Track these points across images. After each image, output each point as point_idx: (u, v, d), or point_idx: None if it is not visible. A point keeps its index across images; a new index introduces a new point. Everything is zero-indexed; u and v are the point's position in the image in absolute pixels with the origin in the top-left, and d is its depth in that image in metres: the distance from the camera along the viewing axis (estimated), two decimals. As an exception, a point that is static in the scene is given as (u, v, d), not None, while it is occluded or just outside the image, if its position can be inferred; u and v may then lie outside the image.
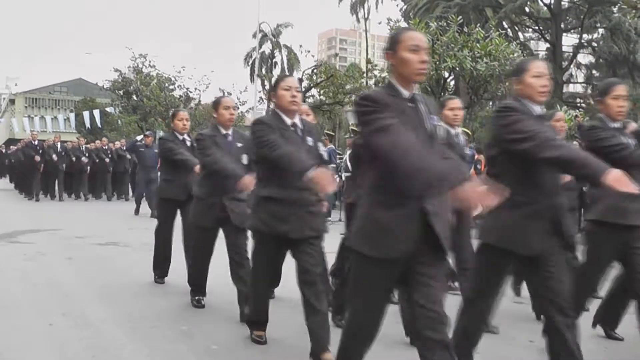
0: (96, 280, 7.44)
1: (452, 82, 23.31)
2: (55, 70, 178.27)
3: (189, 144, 7.05)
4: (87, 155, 21.49)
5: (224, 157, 5.57)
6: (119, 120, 37.99)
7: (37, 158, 20.04)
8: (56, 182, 21.13)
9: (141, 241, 10.66)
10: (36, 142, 20.89)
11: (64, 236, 11.33)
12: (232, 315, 5.83)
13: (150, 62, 36.84)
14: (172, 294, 6.79)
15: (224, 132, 5.82)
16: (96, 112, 39.60)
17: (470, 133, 14.08)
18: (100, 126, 39.79)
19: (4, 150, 36.14)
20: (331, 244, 10.35)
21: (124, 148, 21.20)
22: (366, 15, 64.78)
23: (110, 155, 21.74)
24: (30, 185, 20.87)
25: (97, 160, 21.44)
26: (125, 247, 10.23)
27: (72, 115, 44.83)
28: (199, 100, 36.71)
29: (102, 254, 9.43)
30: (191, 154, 6.77)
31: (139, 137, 16.25)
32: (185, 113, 7.37)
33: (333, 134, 21.08)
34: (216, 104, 5.93)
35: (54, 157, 20.51)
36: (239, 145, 5.83)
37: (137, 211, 16.02)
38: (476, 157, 13.43)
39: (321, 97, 29.36)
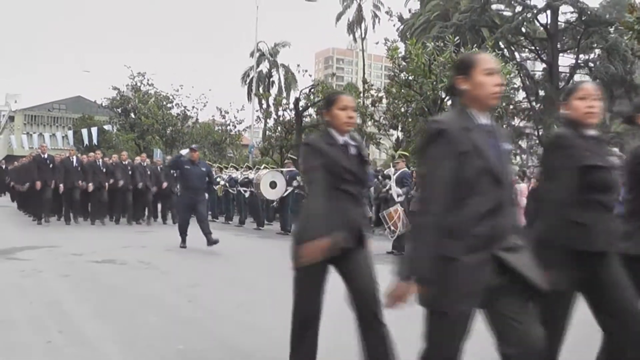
0: (93, 297, 7.46)
1: (449, 102, 23.40)
2: (54, 88, 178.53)
3: (354, 151, 4.30)
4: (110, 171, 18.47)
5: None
6: (117, 138, 38.09)
7: (38, 184, 17.48)
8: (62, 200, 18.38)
9: (137, 259, 10.70)
10: (46, 156, 18.25)
11: (61, 253, 11.32)
12: (226, 334, 5.86)
13: (148, 80, 37.04)
14: (167, 312, 6.80)
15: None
16: (94, 130, 39.70)
17: (408, 154, 14.39)
18: (97, 144, 39.96)
19: (4, 167, 35.89)
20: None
21: (161, 166, 19.80)
22: (363, 35, 65.20)
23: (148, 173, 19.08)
24: (36, 206, 18.35)
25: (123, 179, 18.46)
26: (122, 264, 10.23)
27: (70, 133, 44.91)
28: (197, 119, 36.85)
29: (98, 272, 9.44)
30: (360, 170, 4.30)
31: (183, 152, 13.36)
32: (350, 98, 4.38)
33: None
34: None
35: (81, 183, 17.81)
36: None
37: (183, 242, 12.83)
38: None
39: (318, 116, 29.45)
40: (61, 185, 17.61)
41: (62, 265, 9.86)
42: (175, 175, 17.73)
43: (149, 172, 19.06)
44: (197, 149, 13.63)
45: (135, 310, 6.79)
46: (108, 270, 9.60)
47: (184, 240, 12.79)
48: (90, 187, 17.86)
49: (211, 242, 12.14)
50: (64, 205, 18.27)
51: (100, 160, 18.71)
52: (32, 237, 13.84)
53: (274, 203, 18.44)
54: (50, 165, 17.84)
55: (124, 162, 18.87)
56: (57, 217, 18.52)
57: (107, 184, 18.12)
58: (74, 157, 18.52)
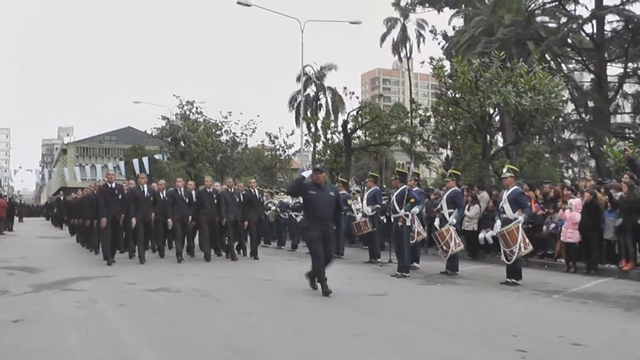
0: (148, 326, 7.51)
1: (497, 118, 23.21)
2: (105, 120, 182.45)
3: None
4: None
5: None
6: (168, 167, 38.64)
7: (104, 222, 15.03)
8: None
9: (191, 287, 10.77)
10: (113, 185, 15.68)
11: (116, 282, 11.50)
12: None
13: (197, 108, 37.55)
14: (223, 339, 6.80)
15: None
16: (145, 160, 40.35)
17: (517, 169, 13.98)
18: (149, 173, 40.61)
19: (62, 198, 36.16)
20: (382, 284, 10.28)
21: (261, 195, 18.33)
22: (408, 55, 65.16)
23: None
24: (101, 243, 16.00)
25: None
26: (176, 292, 10.31)
27: (121, 163, 45.72)
28: (246, 145, 37.15)
29: (153, 300, 9.52)
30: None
31: (305, 174, 10.89)
32: None
33: (378, 175, 21.06)
34: None
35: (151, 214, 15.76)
36: None
37: (314, 284, 10.50)
38: (526, 193, 13.29)
39: (367, 138, 29.49)
40: (133, 220, 15.40)
41: (117, 295, 9.98)
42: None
43: (238, 200, 16.88)
44: (322, 169, 11.11)
45: (191, 339, 6.81)
46: (162, 299, 9.67)
47: (320, 279, 10.12)
48: (170, 223, 16.18)
49: (326, 291, 9.87)
50: (138, 242, 15.85)
51: (182, 189, 16.68)
52: (87, 268, 14.04)
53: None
54: (119, 196, 15.50)
55: (208, 190, 16.60)
56: (125, 253, 16.75)
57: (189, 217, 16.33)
58: (144, 186, 16.11)
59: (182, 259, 15.69)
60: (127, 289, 10.74)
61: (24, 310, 8.49)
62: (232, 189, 17.08)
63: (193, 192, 16.90)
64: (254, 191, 17.79)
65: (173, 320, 7.94)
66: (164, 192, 16.71)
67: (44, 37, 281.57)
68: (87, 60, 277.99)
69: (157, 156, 40.66)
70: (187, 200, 16.48)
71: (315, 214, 10.36)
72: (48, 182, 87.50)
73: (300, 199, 15.62)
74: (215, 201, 16.38)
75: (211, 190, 16.61)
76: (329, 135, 29.41)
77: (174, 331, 7.21)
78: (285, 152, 36.87)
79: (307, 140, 33.27)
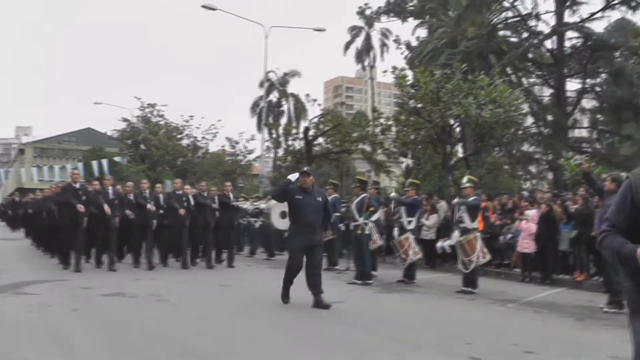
0: (102, 332, 7.40)
1: (458, 129, 23.42)
2: (65, 120, 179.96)
3: None
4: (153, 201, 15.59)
5: None
6: (127, 170, 38.23)
7: (81, 207, 13.89)
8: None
9: (147, 291, 10.65)
10: (78, 186, 14.51)
11: (70, 287, 11.29)
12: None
13: (158, 111, 37.28)
14: (177, 346, 6.74)
15: None
16: (104, 162, 39.87)
17: (477, 179, 14.13)
18: (108, 175, 40.11)
19: (17, 199, 35.46)
20: (340, 292, 10.28)
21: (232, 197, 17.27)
22: (372, 63, 65.49)
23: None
24: (63, 246, 15.09)
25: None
26: (131, 297, 10.18)
27: (80, 165, 45.11)
28: (207, 149, 36.98)
29: (108, 305, 9.40)
30: None
31: (292, 177, 10.07)
32: None
33: (339, 182, 21.09)
34: None
35: (106, 207, 14.43)
36: None
37: (286, 296, 9.91)
38: (483, 204, 13.44)
39: (328, 145, 29.53)
40: (117, 219, 14.84)
41: (71, 300, 9.78)
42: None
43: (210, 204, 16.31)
44: (310, 172, 10.21)
45: (144, 344, 6.73)
46: (117, 304, 9.55)
47: (286, 295, 9.80)
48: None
49: (321, 304, 9.47)
50: (96, 245, 15.28)
51: (147, 191, 15.86)
52: (41, 271, 13.81)
53: (285, 233, 18.34)
54: (84, 198, 14.30)
55: (177, 192, 16.07)
56: (86, 259, 15.62)
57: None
58: (110, 188, 15.34)
59: (154, 267, 14.92)
60: (81, 293, 10.56)
61: (-27, 313, 8.31)
62: (206, 193, 16.64)
63: (161, 196, 16.20)
64: (230, 195, 17.12)
65: (127, 325, 7.84)
66: (131, 195, 15.80)
67: (3, 32, 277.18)
68: (48, 58, 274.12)
69: (117, 158, 40.19)
70: (152, 203, 15.51)
71: (301, 221, 9.65)
72: (4, 183, 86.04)
73: (269, 204, 15.59)
74: (185, 204, 15.68)
75: (181, 193, 16.04)
76: (290, 142, 29.39)
77: (127, 337, 7.12)
78: (245, 157, 36.82)
79: (268, 146, 33.27)
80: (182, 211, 15.36)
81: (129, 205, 15.43)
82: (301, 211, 9.63)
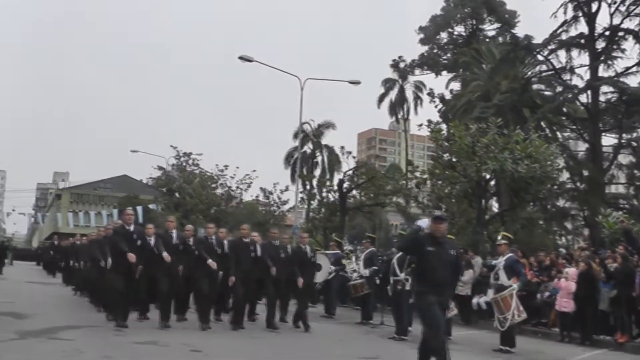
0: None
1: (493, 183, 23.29)
2: (101, 167, 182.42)
3: None
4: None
5: None
6: (161, 217, 38.47)
7: (132, 257, 11.67)
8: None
9: (180, 341, 10.57)
10: (132, 228, 12.42)
11: (104, 333, 11.28)
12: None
13: (194, 160, 37.64)
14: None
15: None
16: (139, 209, 40.20)
17: (511, 236, 13.97)
18: (142, 222, 40.38)
19: (55, 243, 34.36)
20: (375, 346, 10.12)
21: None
22: (405, 116, 65.70)
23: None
24: (111, 299, 12.76)
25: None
26: (164, 346, 10.12)
27: (115, 212, 45.52)
28: (241, 199, 37.11)
29: (140, 353, 9.35)
30: None
31: (422, 223, 8.38)
32: None
33: (375, 236, 20.87)
34: None
35: (165, 254, 12.17)
36: None
37: None
38: (520, 261, 13.25)
39: (362, 197, 29.52)
40: (180, 268, 12.60)
41: (104, 346, 9.77)
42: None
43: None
44: (445, 218, 8.50)
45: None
46: (150, 352, 9.49)
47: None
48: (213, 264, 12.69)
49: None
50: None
51: (214, 237, 13.55)
52: (75, 315, 13.84)
53: (318, 285, 18.12)
54: (138, 242, 12.26)
55: (244, 240, 13.58)
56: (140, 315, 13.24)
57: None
58: (174, 231, 13.21)
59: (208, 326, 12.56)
60: (114, 340, 10.53)
61: (8, 358, 8.32)
62: (278, 242, 14.02)
63: (225, 242, 13.80)
64: (305, 248, 14.23)
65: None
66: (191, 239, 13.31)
67: (42, 81, 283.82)
68: (86, 106, 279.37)
69: (151, 206, 40.52)
70: (218, 252, 13.33)
71: (430, 278, 7.76)
72: (40, 227, 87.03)
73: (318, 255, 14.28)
74: (252, 255, 13.29)
75: (248, 240, 13.66)
76: (324, 194, 29.44)
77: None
78: (279, 208, 36.85)
79: (302, 198, 33.27)
80: (273, 269, 13.02)
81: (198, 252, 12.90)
82: (431, 266, 7.73)
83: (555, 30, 30.03)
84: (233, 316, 13.12)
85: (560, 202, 32.38)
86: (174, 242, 12.77)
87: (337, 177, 40.00)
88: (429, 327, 7.58)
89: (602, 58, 29.32)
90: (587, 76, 29.96)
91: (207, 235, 13.52)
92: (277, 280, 13.15)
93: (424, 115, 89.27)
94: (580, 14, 29.26)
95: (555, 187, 26.40)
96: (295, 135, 51.68)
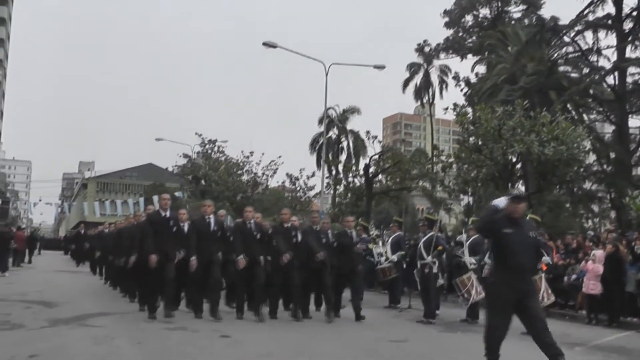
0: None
1: (519, 166, 23.15)
2: (127, 156, 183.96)
3: None
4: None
5: None
6: (187, 205, 38.67)
7: (153, 259, 11.30)
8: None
9: (210, 327, 10.66)
10: (168, 214, 11.87)
11: (134, 319, 11.42)
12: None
13: (219, 147, 37.72)
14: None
15: None
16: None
17: (539, 219, 13.88)
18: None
19: (82, 232, 34.20)
20: (403, 330, 10.16)
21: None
22: (430, 100, 65.40)
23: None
24: (145, 289, 12.25)
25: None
26: (194, 332, 10.23)
27: (141, 200, 45.83)
28: (267, 185, 37.16)
29: (171, 338, 9.45)
30: None
31: (499, 202, 7.32)
32: None
33: (402, 220, 20.80)
34: None
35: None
36: None
37: None
38: (547, 243, 13.16)
39: (388, 182, 29.50)
40: (220, 254, 11.87)
41: (135, 332, 9.91)
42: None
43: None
44: (524, 197, 8.12)
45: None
46: (180, 338, 9.60)
47: None
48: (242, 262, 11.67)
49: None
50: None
51: (252, 222, 12.28)
52: (105, 304, 14.04)
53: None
54: (175, 229, 11.78)
55: (285, 225, 12.56)
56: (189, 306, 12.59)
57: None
58: (211, 217, 12.14)
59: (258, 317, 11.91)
60: (145, 326, 10.66)
61: (40, 345, 8.46)
62: (318, 227, 13.02)
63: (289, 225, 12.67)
64: (351, 232, 13.45)
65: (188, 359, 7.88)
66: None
67: (68, 71, 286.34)
68: (110, 95, 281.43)
69: (177, 194, 40.70)
70: (258, 237, 12.26)
71: (509, 263, 7.15)
72: (67, 216, 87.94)
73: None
74: (294, 240, 12.38)
75: (289, 225, 12.69)
76: (350, 179, 29.48)
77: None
78: (305, 194, 36.87)
79: (328, 183, 33.29)
80: (321, 254, 12.08)
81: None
82: (510, 249, 7.12)
83: (582, 11, 29.72)
84: (270, 305, 12.44)
85: (587, 185, 32.14)
86: (212, 228, 11.87)
87: (363, 162, 39.89)
88: (490, 325, 7.24)
89: (629, 39, 28.97)
90: (614, 57, 29.68)
91: (245, 219, 12.32)
92: (323, 267, 12.19)
93: (449, 99, 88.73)
94: (607, -6, 28.93)
95: (582, 169, 26.21)
96: (320, 121, 51.69)
